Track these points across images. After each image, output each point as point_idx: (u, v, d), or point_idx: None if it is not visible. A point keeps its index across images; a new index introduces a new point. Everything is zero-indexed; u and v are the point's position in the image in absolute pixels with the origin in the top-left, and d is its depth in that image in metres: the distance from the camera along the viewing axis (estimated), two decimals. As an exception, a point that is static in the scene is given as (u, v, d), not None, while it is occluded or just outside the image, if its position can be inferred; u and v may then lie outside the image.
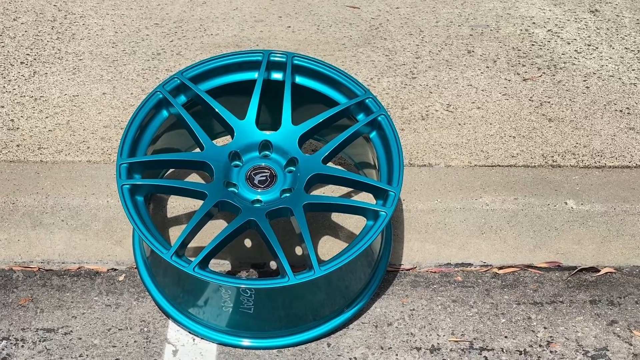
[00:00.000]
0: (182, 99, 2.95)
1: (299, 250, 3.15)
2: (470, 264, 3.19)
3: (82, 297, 3.05)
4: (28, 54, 3.91)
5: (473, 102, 3.67)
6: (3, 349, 2.86)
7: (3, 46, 3.96)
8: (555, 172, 3.32)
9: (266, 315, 2.82)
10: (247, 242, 3.16)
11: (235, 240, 2.90)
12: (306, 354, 2.84)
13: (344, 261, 2.64)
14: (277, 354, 2.86)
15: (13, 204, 3.15)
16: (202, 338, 2.89)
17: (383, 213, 2.71)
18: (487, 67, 3.91)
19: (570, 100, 3.71)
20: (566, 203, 3.18)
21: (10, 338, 2.90)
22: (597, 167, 3.34)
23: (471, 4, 4.40)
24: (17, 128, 3.46)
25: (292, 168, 2.88)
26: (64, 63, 3.85)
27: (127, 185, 2.75)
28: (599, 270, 3.18)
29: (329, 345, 2.88)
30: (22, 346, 2.88)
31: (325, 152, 2.85)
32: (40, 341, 2.89)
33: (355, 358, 2.83)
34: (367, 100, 2.91)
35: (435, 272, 3.17)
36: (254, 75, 2.98)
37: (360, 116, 2.93)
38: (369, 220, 2.75)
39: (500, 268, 3.19)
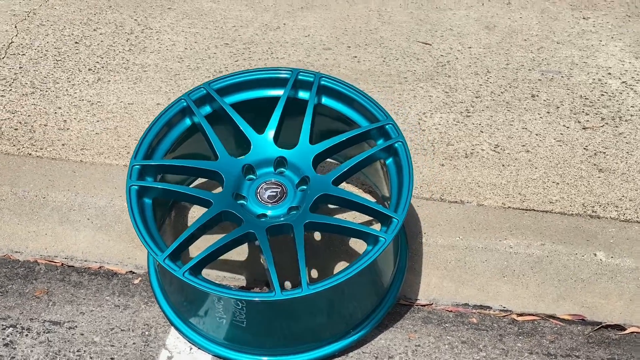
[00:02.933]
0: (207, 109, 2.98)
1: (314, 273, 3.12)
2: (489, 307, 3.08)
3: (95, 295, 3.10)
4: (97, 62, 4.04)
5: (523, 145, 3.57)
6: (8, 336, 2.93)
7: (77, 53, 4.11)
8: (591, 223, 3.18)
9: (260, 331, 2.79)
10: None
11: (253, 256, 2.91)
12: (294, 375, 2.79)
13: (333, 282, 2.60)
14: (271, 372, 2.82)
15: (44, 198, 3.24)
16: (198, 348, 2.89)
17: (382, 239, 2.66)
18: (548, 112, 3.80)
19: (627, 153, 3.56)
20: (595, 254, 3.04)
21: (17, 326, 2.97)
22: (639, 222, 3.18)
23: (548, 50, 4.30)
24: (67, 129, 3.57)
25: (304, 187, 2.86)
26: (128, 73, 3.95)
27: (135, 187, 2.79)
28: (624, 329, 3.02)
29: (320, 369, 2.82)
30: (27, 335, 2.94)
31: (336, 173, 2.82)
32: (44, 332, 2.95)
33: (342, 385, 2.77)
34: (387, 126, 2.87)
35: (451, 311, 3.08)
36: (281, 92, 2.98)
37: (380, 141, 2.89)
38: (369, 245, 2.70)
39: (520, 315, 3.07)
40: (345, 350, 2.89)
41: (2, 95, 3.78)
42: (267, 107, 2.99)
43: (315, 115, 2.95)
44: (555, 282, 3.05)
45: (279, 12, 4.57)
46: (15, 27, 4.33)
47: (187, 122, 2.98)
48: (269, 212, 2.83)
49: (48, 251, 3.24)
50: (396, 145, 2.84)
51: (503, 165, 3.45)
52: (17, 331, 2.96)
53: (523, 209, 3.23)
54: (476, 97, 3.89)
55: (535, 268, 3.06)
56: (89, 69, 4.00)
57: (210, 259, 2.70)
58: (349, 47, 4.26)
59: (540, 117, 3.77)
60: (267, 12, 4.56)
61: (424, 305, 3.11)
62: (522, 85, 4.00)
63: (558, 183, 3.37)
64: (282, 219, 2.78)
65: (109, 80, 3.91)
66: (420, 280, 3.12)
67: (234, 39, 4.29)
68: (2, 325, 2.98)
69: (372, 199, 3.26)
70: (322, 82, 2.97)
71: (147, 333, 2.96)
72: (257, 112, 2.99)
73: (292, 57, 4.15)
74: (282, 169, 2.92)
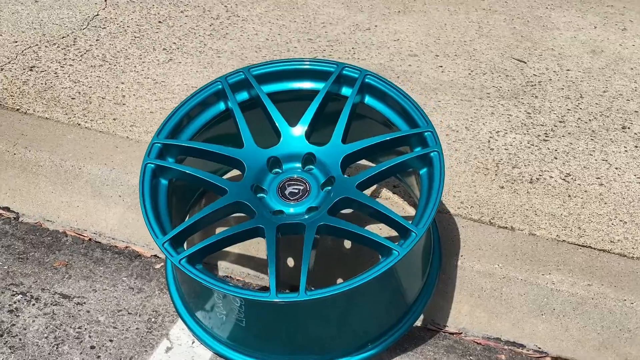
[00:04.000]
0: (244, 95, 2.84)
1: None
2: (522, 346, 2.81)
3: (112, 275, 3.00)
4: (174, 43, 3.97)
5: (598, 178, 3.26)
6: (15, 303, 2.86)
7: (157, 32, 4.05)
8: (652, 269, 2.86)
9: (260, 333, 2.62)
10: (290, 262, 2.98)
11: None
12: (288, 386, 2.60)
13: (332, 292, 2.40)
14: (269, 379, 2.65)
15: (79, 169, 3.17)
16: (200, 342, 2.74)
17: (395, 252, 2.44)
18: (636, 146, 3.47)
19: None
20: (646, 303, 2.72)
21: (26, 294, 2.90)
22: None
23: (654, 81, 3.95)
24: (124, 104, 3.50)
25: (329, 187, 2.67)
26: (201, 57, 3.86)
27: (152, 165, 2.67)
28: (671, 391, 2.69)
29: (318, 384, 2.62)
30: (33, 305, 2.86)
31: (362, 177, 2.62)
32: (51, 304, 2.87)
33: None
34: (425, 134, 2.65)
35: (479, 344, 2.82)
36: (322, 86, 2.80)
37: (418, 149, 2.67)
38: (382, 257, 2.49)
39: (555, 358, 2.78)
40: (352, 368, 2.67)
41: (70, 65, 3.75)
42: (307, 100, 2.81)
43: (354, 114, 2.76)
44: (598, 328, 2.75)
45: (374, 13, 4.38)
46: (105, 0, 4.30)
47: (222, 106, 2.83)
48: (288, 210, 2.65)
49: (78, 224, 3.16)
50: (432, 154, 2.61)
51: (569, 196, 3.15)
52: (25, 299, 2.88)
53: (578, 245, 2.94)
54: (560, 122, 3.60)
55: (577, 310, 2.76)
56: (164, 49, 3.92)
57: (213, 249, 2.55)
58: (437, 55, 4.04)
59: (626, 151, 3.45)
60: (361, 13, 4.38)
61: (452, 334, 2.86)
62: (615, 115, 3.68)
63: (626, 222, 3.05)
64: (297, 218, 2.59)
65: (180, 62, 3.82)
66: (451, 306, 2.87)
67: (319, 35, 4.13)
68: (13, 291, 2.91)
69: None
70: (367, 80, 2.78)
71: (153, 320, 2.83)
72: (296, 104, 2.81)
73: (373, 59, 3.96)
74: (311, 166, 2.73)
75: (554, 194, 3.17)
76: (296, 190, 2.68)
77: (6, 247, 3.08)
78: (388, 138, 2.68)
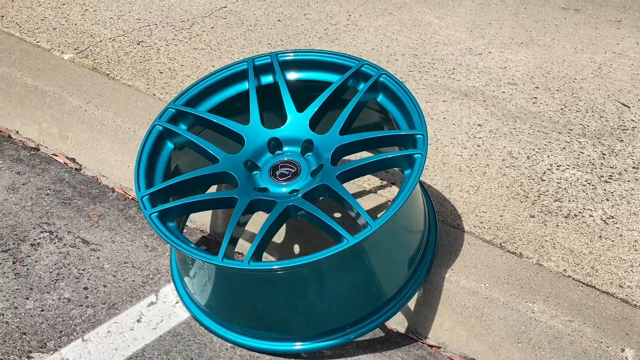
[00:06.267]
0: (269, 79, 2.95)
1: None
2: (496, 373, 2.73)
3: (136, 232, 3.20)
4: (281, 40, 4.14)
5: (643, 226, 3.10)
6: (40, 238, 3.12)
7: (271, 29, 4.24)
8: (652, 321, 2.69)
9: (225, 301, 2.73)
10: (296, 248, 3.06)
11: (288, 239, 2.91)
12: None
13: (274, 266, 2.47)
14: (232, 348, 2.75)
15: (134, 132, 3.40)
16: (182, 303, 2.88)
17: (345, 240, 2.47)
18: None
19: None
20: (623, 350, 2.58)
21: (53, 233, 3.15)
22: None
23: None
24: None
25: (318, 174, 2.74)
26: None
27: (160, 127, 2.85)
28: None
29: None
30: (55, 243, 3.11)
31: (344, 168, 2.67)
32: (70, 246, 3.10)
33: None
34: (417, 136, 2.66)
35: (453, 362, 2.77)
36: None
37: (410, 150, 2.69)
38: (338, 244, 2.53)
39: (525, 392, 2.68)
40: (314, 354, 2.71)
41: (175, 45, 4.01)
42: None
43: (361, 110, 2.81)
44: (571, 368, 2.62)
45: (495, 41, 4.35)
46: (239, -4, 4.55)
47: (245, 85, 2.96)
48: (274, 189, 2.74)
49: (127, 183, 3.38)
50: (415, 156, 2.61)
51: (600, 237, 3.02)
52: (50, 237, 3.13)
53: (582, 283, 2.81)
54: (633, 167, 3.43)
55: (553, 343, 2.65)
56: (269, 43, 4.10)
57: (188, 209, 2.69)
58: (537, 88, 3.96)
59: (691, 206, 3.24)
60: (481, 39, 4.37)
61: (431, 346, 2.82)
62: (699, 171, 3.46)
63: (649, 272, 2.88)
64: (274, 197, 2.68)
65: (277, 57, 3.97)
66: (435, 318, 2.83)
67: (425, 53, 4.17)
68: (43, 228, 3.17)
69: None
70: (382, 79, 2.81)
71: (151, 276, 2.99)
72: (316, 95, 2.90)
73: (469, 82, 3.95)
74: (309, 153, 2.81)
75: (584, 232, 3.04)
76: (287, 172, 2.76)
77: (57, 192, 3.35)
78: (380, 135, 2.71)
